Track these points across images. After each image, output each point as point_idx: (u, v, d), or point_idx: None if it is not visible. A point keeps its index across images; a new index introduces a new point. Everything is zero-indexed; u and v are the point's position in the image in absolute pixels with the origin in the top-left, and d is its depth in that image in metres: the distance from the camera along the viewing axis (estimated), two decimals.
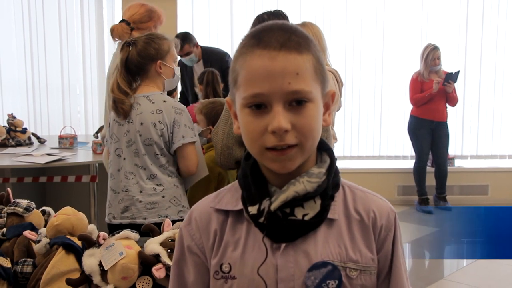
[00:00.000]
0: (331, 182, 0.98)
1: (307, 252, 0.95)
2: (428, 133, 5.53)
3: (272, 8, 2.81)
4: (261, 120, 0.91)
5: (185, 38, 4.47)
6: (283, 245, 0.95)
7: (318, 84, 0.94)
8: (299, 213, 0.95)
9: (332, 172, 0.99)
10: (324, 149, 1.01)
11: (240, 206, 1.00)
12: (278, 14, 2.52)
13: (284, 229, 0.95)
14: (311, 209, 0.95)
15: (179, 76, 2.49)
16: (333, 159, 1.00)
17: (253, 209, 0.96)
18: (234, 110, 1.00)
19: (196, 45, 4.56)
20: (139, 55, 2.33)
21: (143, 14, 2.89)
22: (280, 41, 0.91)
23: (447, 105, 5.56)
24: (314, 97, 0.93)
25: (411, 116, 5.60)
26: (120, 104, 2.31)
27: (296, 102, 0.91)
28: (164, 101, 2.34)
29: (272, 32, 0.92)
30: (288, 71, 0.90)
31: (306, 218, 0.95)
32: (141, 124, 2.31)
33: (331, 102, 0.99)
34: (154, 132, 2.30)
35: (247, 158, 1.01)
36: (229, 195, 1.03)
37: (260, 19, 2.51)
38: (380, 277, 0.99)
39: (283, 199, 0.94)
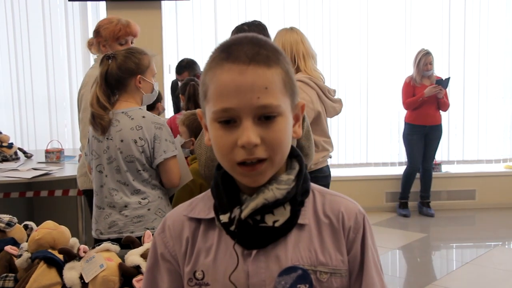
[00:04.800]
0: (301, 188, 1.00)
1: (278, 257, 0.96)
2: (420, 138, 5.56)
3: (256, 17, 2.83)
4: (230, 135, 0.92)
5: (188, 66, 4.54)
6: (254, 252, 0.97)
7: (287, 97, 0.96)
8: (269, 220, 0.96)
9: (301, 178, 1.00)
10: (294, 155, 1.02)
11: (212, 214, 1.01)
12: (257, 25, 2.55)
13: (255, 236, 0.96)
14: (281, 216, 0.97)
15: (158, 91, 2.48)
16: (302, 166, 1.01)
17: (224, 218, 0.98)
18: (204, 122, 1.01)
19: (197, 75, 4.57)
20: (119, 69, 2.32)
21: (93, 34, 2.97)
22: (249, 55, 0.92)
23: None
24: (283, 111, 0.94)
25: (405, 123, 5.64)
26: (98, 120, 2.29)
27: (265, 117, 0.92)
28: (143, 117, 2.33)
29: (241, 46, 0.93)
30: (257, 85, 0.91)
31: (277, 224, 0.96)
32: (121, 141, 2.29)
33: (300, 113, 1.00)
34: (135, 149, 2.29)
35: (219, 168, 1.02)
36: (202, 204, 1.05)
37: (240, 29, 2.54)
38: (352, 278, 1.00)
39: (253, 206, 0.96)
